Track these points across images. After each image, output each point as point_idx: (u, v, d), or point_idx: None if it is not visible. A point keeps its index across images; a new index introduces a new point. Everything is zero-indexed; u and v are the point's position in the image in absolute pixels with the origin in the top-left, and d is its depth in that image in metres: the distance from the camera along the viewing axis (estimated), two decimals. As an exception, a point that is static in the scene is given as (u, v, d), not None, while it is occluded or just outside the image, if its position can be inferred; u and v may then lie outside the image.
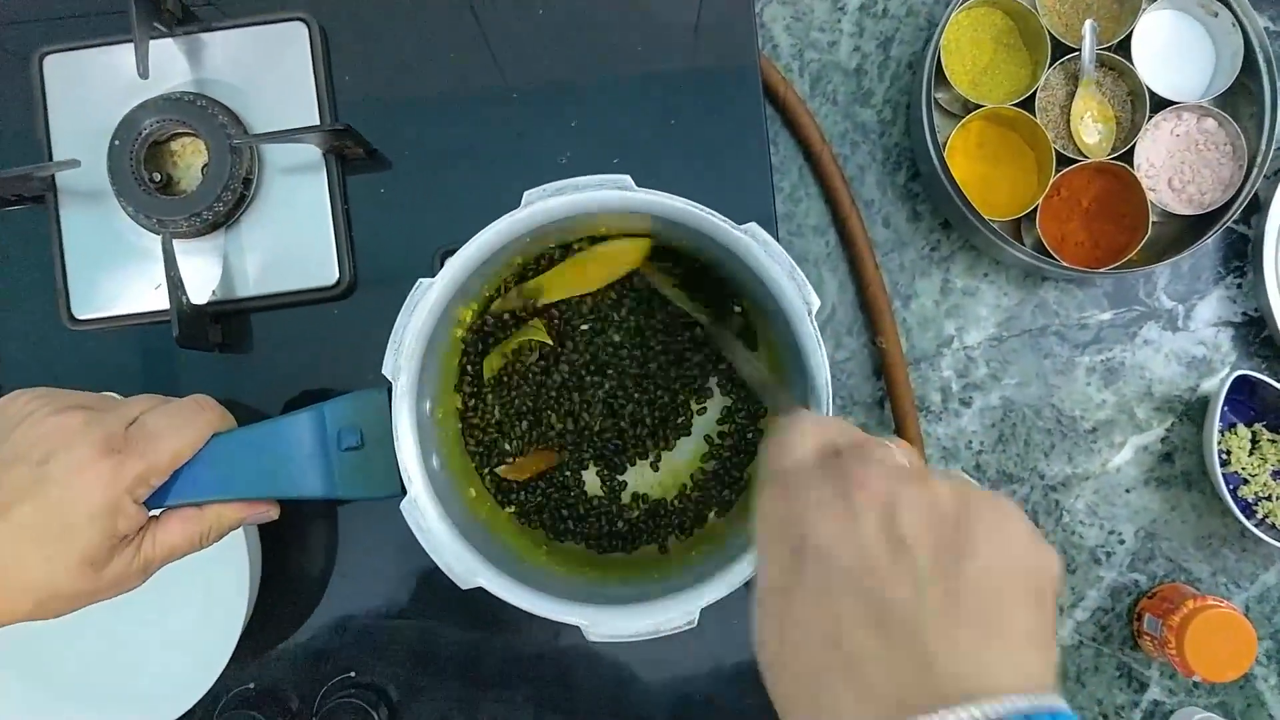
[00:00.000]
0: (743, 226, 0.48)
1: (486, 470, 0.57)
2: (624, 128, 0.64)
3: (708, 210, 0.48)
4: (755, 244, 0.48)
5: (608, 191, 0.48)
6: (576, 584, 0.52)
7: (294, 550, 0.63)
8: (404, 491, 0.47)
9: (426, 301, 0.47)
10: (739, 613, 0.64)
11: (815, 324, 0.47)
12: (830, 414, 0.47)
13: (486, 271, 0.51)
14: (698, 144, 0.64)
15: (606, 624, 0.46)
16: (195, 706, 0.58)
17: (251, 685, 0.63)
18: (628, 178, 0.48)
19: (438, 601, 0.63)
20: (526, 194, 0.48)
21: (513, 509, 0.57)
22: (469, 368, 0.56)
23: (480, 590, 0.47)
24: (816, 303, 0.47)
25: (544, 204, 0.48)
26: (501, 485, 0.57)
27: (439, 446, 0.52)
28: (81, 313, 0.62)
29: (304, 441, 0.48)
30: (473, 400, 0.57)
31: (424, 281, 0.48)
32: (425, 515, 0.47)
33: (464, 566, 0.47)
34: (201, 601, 0.61)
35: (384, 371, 0.47)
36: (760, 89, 0.64)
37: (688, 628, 0.46)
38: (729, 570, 0.47)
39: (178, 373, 0.63)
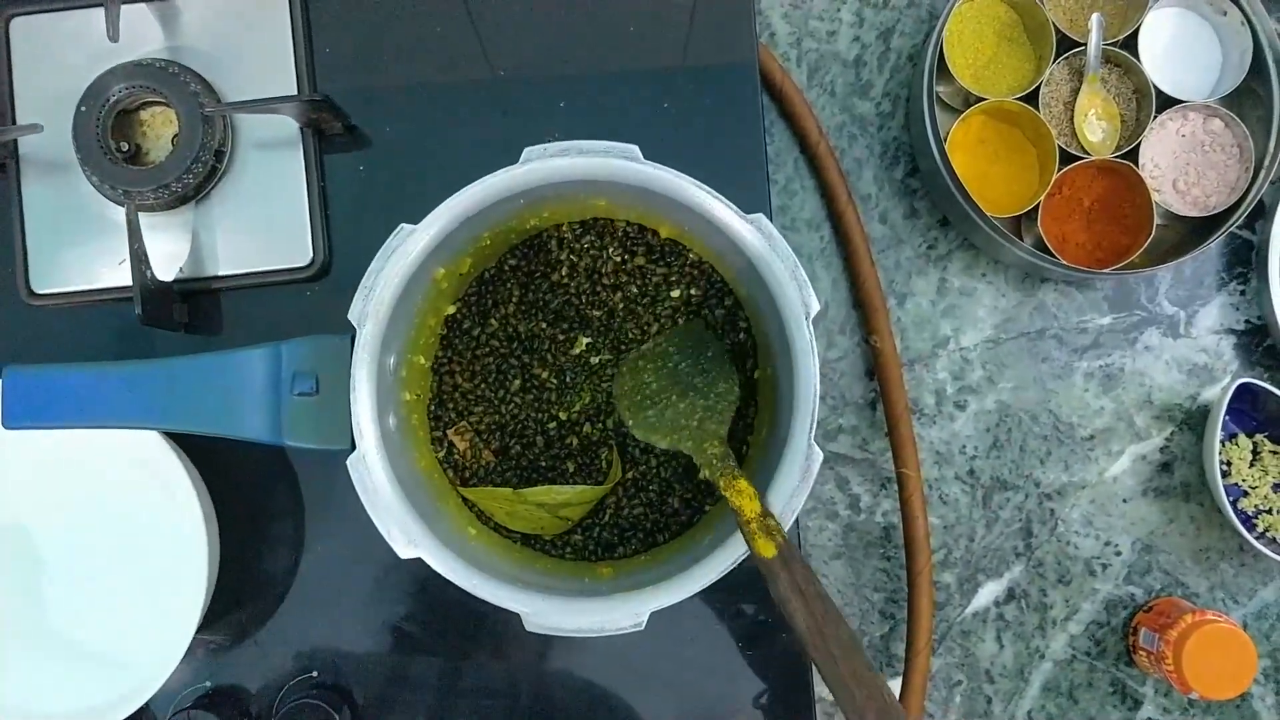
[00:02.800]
0: (750, 217, 0.45)
1: (441, 435, 0.54)
2: (615, 111, 0.61)
3: (716, 195, 0.45)
4: (761, 237, 0.45)
5: (614, 160, 0.45)
6: (524, 571, 0.49)
7: (256, 543, 0.60)
8: (354, 447, 0.44)
9: (406, 249, 0.45)
10: (724, 639, 0.61)
11: (812, 329, 0.45)
12: (814, 421, 0.44)
13: (471, 233, 0.48)
14: (691, 130, 0.61)
15: (548, 615, 0.44)
16: (146, 705, 0.55)
17: (208, 684, 0.60)
18: (635, 148, 0.46)
19: (408, 602, 0.60)
20: (526, 150, 0.46)
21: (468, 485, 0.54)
22: (447, 330, 0.53)
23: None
24: (816, 307, 0.45)
25: (544, 163, 0.45)
26: (455, 460, 0.54)
27: (398, 407, 0.49)
28: (41, 287, 0.59)
29: (255, 379, 0.45)
30: (447, 363, 0.54)
31: (406, 227, 0.45)
32: (372, 473, 0.44)
33: (405, 533, 0.44)
34: (154, 594, 0.58)
35: (349, 316, 0.45)
36: (758, 78, 0.62)
37: (634, 630, 0.44)
38: (683, 577, 0.44)
39: (141, 353, 0.60)
